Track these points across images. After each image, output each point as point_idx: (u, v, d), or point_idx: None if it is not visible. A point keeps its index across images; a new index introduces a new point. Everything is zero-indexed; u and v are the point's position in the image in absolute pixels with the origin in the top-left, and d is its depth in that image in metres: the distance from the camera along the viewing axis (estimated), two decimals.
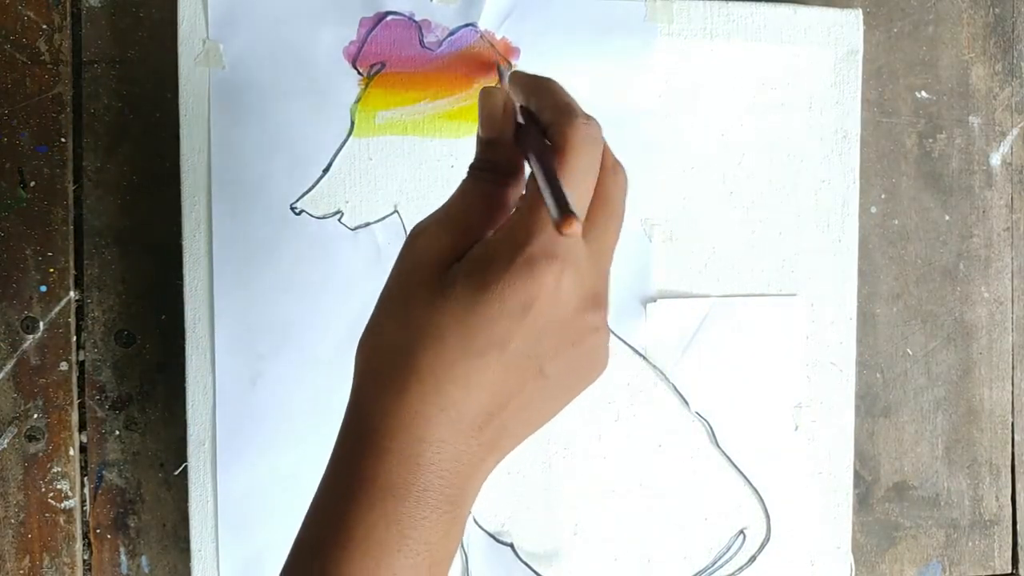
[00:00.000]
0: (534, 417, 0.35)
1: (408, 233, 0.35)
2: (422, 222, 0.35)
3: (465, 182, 0.36)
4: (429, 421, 0.32)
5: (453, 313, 0.32)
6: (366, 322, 0.35)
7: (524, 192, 0.35)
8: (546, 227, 0.32)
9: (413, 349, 0.32)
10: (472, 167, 0.36)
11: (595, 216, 0.34)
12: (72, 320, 0.50)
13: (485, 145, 0.36)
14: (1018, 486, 0.58)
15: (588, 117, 0.35)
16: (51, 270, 0.50)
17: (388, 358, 0.33)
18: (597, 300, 0.34)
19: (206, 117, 0.49)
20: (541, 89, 0.37)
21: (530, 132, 0.35)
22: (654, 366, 0.52)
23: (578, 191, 0.33)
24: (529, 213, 0.32)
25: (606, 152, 0.35)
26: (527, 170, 0.36)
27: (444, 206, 0.35)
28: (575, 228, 0.29)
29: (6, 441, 0.50)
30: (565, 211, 0.30)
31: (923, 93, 0.57)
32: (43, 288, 0.50)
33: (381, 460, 0.32)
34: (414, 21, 0.50)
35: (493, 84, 0.50)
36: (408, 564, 0.32)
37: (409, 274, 0.34)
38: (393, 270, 0.35)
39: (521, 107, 0.37)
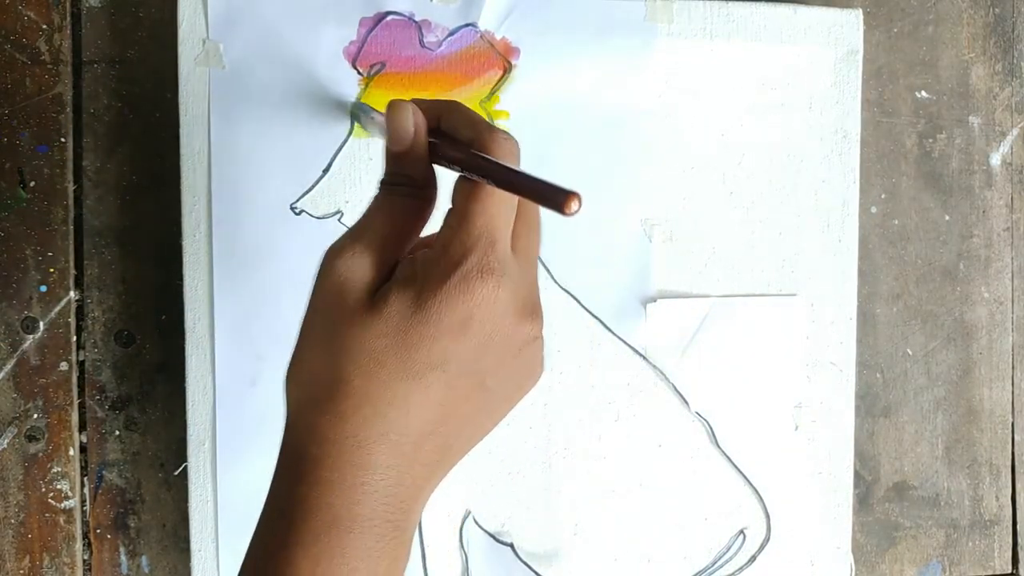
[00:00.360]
0: (475, 431, 0.35)
1: (324, 255, 0.34)
2: (337, 243, 0.34)
3: (378, 198, 0.35)
4: (371, 447, 0.32)
5: (388, 336, 0.32)
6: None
7: (452, 205, 0.34)
8: (479, 242, 0.32)
9: (348, 376, 0.32)
10: (384, 182, 0.36)
11: (518, 229, 0.34)
12: (72, 320, 0.50)
13: (396, 159, 0.35)
14: (1018, 486, 0.58)
15: (506, 132, 0.34)
16: (51, 270, 0.50)
17: (321, 386, 0.32)
18: (533, 309, 0.34)
19: (206, 117, 0.49)
20: (450, 107, 0.36)
21: (452, 144, 0.35)
22: (654, 366, 0.52)
23: (506, 204, 0.33)
24: (460, 228, 0.32)
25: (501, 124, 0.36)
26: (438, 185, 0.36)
27: (358, 224, 0.35)
28: (578, 203, 0.29)
29: (6, 441, 0.50)
30: (564, 191, 0.30)
31: (923, 93, 0.57)
32: (43, 288, 0.50)
33: (324, 491, 0.32)
34: (414, 21, 0.50)
35: (492, 84, 0.50)
36: None
37: (333, 299, 0.33)
38: (313, 295, 0.34)
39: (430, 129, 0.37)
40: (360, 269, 0.33)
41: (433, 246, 0.33)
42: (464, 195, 0.33)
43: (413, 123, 0.35)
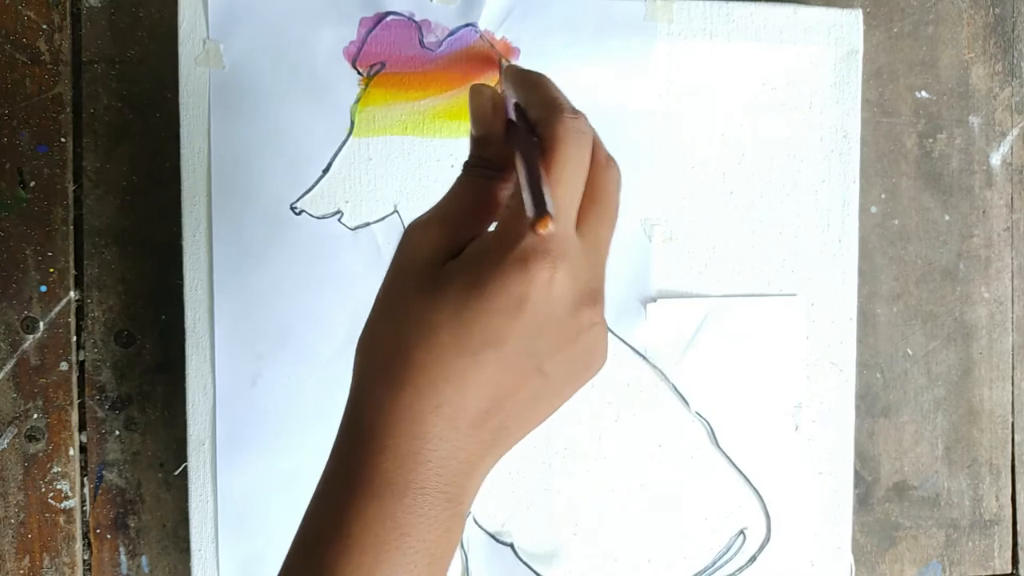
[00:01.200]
0: (533, 415, 0.35)
1: (404, 230, 0.35)
2: (418, 219, 0.35)
3: (459, 179, 0.36)
4: (425, 418, 0.32)
5: (447, 310, 0.32)
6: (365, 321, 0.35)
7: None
8: None
9: (407, 346, 0.32)
10: (466, 164, 0.36)
11: (587, 211, 0.34)
12: (72, 320, 0.50)
13: (477, 142, 0.36)
14: (1018, 486, 0.58)
15: (575, 111, 0.34)
16: (51, 270, 0.50)
17: (384, 355, 0.33)
18: (593, 296, 0.34)
19: (206, 117, 0.49)
20: (530, 84, 0.37)
21: (518, 128, 0.35)
22: (654, 366, 0.52)
23: (565, 186, 0.33)
24: (521, 210, 0.32)
25: (597, 147, 0.35)
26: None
27: (439, 203, 0.35)
28: (550, 228, 0.29)
29: (6, 441, 0.50)
30: (540, 210, 0.29)
31: (923, 93, 0.57)
32: (43, 288, 0.50)
33: (378, 457, 0.32)
34: (414, 21, 0.50)
35: (493, 83, 0.50)
36: (406, 562, 0.32)
37: (404, 271, 0.34)
38: (390, 267, 0.35)
39: (515, 103, 0.37)
40: (431, 246, 0.34)
41: (497, 226, 0.33)
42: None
43: (492, 108, 0.36)
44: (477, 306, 0.32)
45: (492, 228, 0.35)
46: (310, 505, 0.34)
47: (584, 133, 0.34)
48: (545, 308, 0.32)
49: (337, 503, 0.33)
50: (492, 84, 0.50)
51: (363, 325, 0.35)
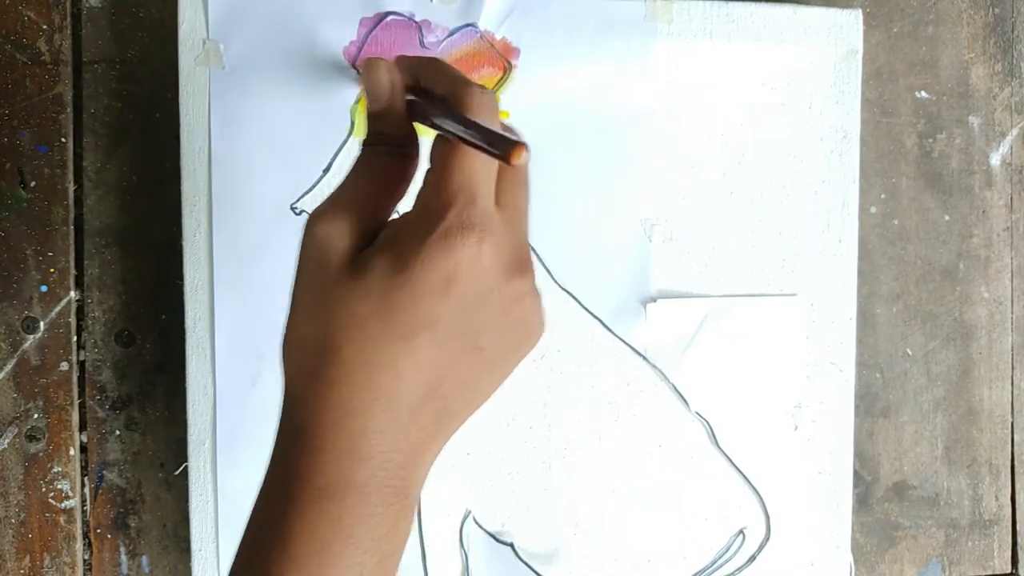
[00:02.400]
0: (475, 394, 0.34)
1: (306, 221, 0.34)
2: (319, 208, 0.33)
3: (359, 160, 0.35)
4: (363, 413, 0.31)
5: (371, 299, 0.31)
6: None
7: (430, 165, 0.33)
8: (457, 198, 0.31)
9: (334, 341, 0.31)
10: (364, 143, 0.35)
11: (502, 183, 0.34)
12: (72, 320, 0.50)
13: (376, 118, 0.35)
14: (1018, 486, 0.58)
15: (481, 86, 0.34)
16: (51, 270, 0.50)
17: (310, 355, 0.32)
18: (521, 266, 0.33)
19: (206, 117, 0.49)
20: (429, 65, 0.36)
21: (429, 100, 0.35)
22: (654, 366, 0.52)
23: (481, 160, 0.32)
24: (438, 185, 0.31)
25: (501, 120, 0.35)
26: (421, 143, 0.35)
27: (340, 187, 0.34)
28: (526, 155, 0.29)
29: (6, 441, 0.50)
30: (508, 143, 0.29)
31: (923, 93, 0.57)
32: (43, 288, 0.50)
33: (317, 459, 0.31)
34: (414, 21, 0.50)
35: (492, 84, 0.50)
36: (354, 563, 0.31)
37: (317, 264, 0.33)
38: (299, 262, 0.33)
39: (409, 88, 0.37)
40: (340, 233, 0.32)
41: (415, 204, 0.32)
42: (441, 152, 0.32)
43: (389, 80, 0.35)
44: (404, 290, 0.30)
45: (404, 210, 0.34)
46: (252, 512, 0.33)
47: (494, 107, 0.34)
48: (474, 283, 0.31)
49: (277, 509, 0.32)
50: (493, 82, 0.50)
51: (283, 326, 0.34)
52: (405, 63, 0.36)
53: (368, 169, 0.34)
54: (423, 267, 0.30)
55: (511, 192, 0.34)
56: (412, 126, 0.35)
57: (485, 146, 0.31)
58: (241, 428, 0.49)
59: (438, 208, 0.31)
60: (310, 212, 0.49)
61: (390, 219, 0.34)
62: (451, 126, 0.33)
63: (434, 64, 0.36)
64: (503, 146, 0.30)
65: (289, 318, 0.33)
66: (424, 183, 0.33)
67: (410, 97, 0.36)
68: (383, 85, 0.35)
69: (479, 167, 0.32)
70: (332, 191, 0.34)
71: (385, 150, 0.35)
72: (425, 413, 0.32)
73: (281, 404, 0.34)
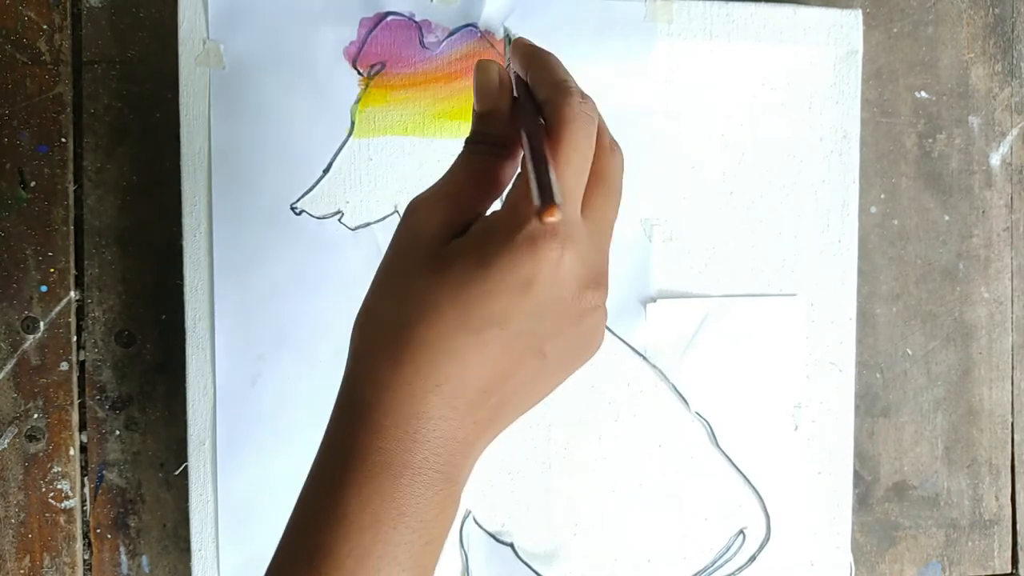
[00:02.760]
0: (530, 395, 0.35)
1: (407, 206, 0.34)
2: (419, 196, 0.34)
3: (461, 156, 0.35)
4: (425, 397, 0.32)
5: (451, 288, 0.31)
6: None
7: (521, 167, 0.34)
8: None
9: (409, 323, 0.32)
10: (468, 141, 0.36)
11: (592, 195, 0.34)
12: (72, 320, 0.50)
13: (480, 118, 0.36)
14: (1018, 486, 0.58)
15: (584, 95, 0.34)
16: (51, 270, 0.50)
17: (384, 333, 0.33)
18: (598, 279, 0.34)
19: (206, 117, 0.49)
20: (539, 63, 0.36)
21: (525, 108, 0.35)
22: (654, 366, 0.52)
23: (573, 170, 0.33)
24: (528, 191, 0.32)
25: (603, 131, 0.35)
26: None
27: (441, 180, 0.35)
28: (556, 216, 0.29)
29: (6, 441, 0.50)
30: (547, 199, 0.29)
31: (923, 93, 0.57)
32: (43, 288, 0.50)
33: (377, 436, 0.32)
34: (414, 21, 0.50)
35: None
36: (403, 540, 0.32)
37: (406, 249, 0.33)
38: (390, 245, 0.34)
39: (519, 80, 0.37)
40: (433, 223, 0.33)
41: (505, 204, 0.33)
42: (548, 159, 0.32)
43: (498, 84, 0.35)
44: (483, 285, 0.31)
45: (497, 206, 0.34)
46: (305, 484, 0.34)
47: (591, 118, 0.34)
48: (551, 290, 0.32)
49: (333, 482, 0.32)
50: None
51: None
52: (521, 49, 0.37)
53: (465, 165, 0.35)
54: (503, 266, 0.31)
55: (600, 204, 0.34)
56: (515, 130, 0.35)
57: (533, 185, 0.31)
58: (241, 428, 0.49)
59: (526, 211, 0.31)
60: (312, 212, 0.49)
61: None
62: (524, 143, 0.33)
63: (546, 61, 0.36)
64: (542, 196, 0.30)
65: (368, 295, 0.34)
66: (514, 184, 0.34)
67: (516, 94, 0.36)
68: (492, 88, 0.35)
69: (570, 176, 0.32)
70: (433, 184, 0.35)
71: (487, 150, 0.35)
72: (483, 407, 0.33)
73: (342, 380, 0.34)
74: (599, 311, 0.34)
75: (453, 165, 0.35)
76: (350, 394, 0.34)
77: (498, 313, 0.31)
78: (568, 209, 0.32)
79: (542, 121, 0.34)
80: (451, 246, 0.33)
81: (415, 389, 0.32)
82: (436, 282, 0.32)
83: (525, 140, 0.33)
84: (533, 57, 0.37)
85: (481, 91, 0.35)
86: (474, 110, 0.36)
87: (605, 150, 0.35)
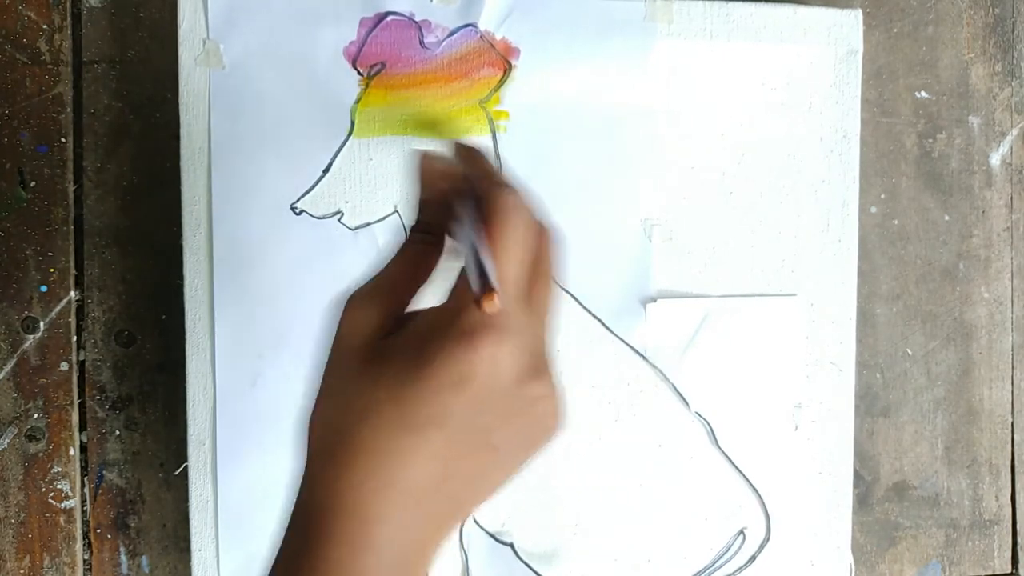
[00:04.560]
0: (485, 487, 0.34)
1: (346, 303, 0.34)
2: (358, 291, 0.34)
3: (404, 245, 0.36)
4: (370, 500, 0.31)
5: (389, 387, 0.31)
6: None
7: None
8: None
9: (352, 425, 0.31)
10: (413, 228, 0.36)
11: (533, 280, 0.34)
12: (72, 320, 0.51)
13: (422, 205, 0.36)
14: (1018, 486, 0.58)
15: (508, 185, 0.34)
16: (51, 270, 0.50)
17: (330, 435, 0.32)
18: (539, 368, 0.33)
19: (206, 117, 0.49)
20: (469, 158, 0.37)
21: (463, 199, 0.35)
22: (654, 366, 0.52)
23: (508, 259, 0.32)
24: (464, 284, 0.32)
25: (534, 216, 0.35)
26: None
27: (379, 273, 0.35)
28: (495, 303, 0.29)
29: (6, 441, 0.50)
30: (485, 286, 0.29)
31: (923, 93, 0.57)
32: (43, 288, 0.50)
33: (326, 545, 0.31)
34: (414, 21, 0.50)
35: (492, 84, 0.50)
36: None
37: (344, 349, 0.33)
38: (333, 343, 0.34)
39: (459, 173, 0.37)
40: (368, 319, 0.33)
41: (448, 298, 0.32)
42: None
43: (441, 173, 0.35)
44: (420, 383, 0.31)
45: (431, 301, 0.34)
46: None
47: (518, 207, 0.33)
48: (491, 383, 0.31)
49: None
50: (493, 83, 0.50)
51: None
52: (456, 147, 0.37)
53: (407, 257, 0.35)
54: (440, 363, 0.31)
55: (539, 291, 0.34)
56: (450, 218, 0.36)
57: (473, 273, 0.31)
58: (241, 428, 0.49)
59: (461, 305, 0.31)
60: (312, 212, 0.49)
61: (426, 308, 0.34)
62: (465, 234, 0.33)
63: (475, 155, 0.37)
64: (481, 284, 0.30)
65: (317, 397, 0.34)
66: (459, 276, 0.33)
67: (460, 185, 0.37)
68: (433, 176, 0.35)
69: (506, 266, 0.32)
70: (374, 275, 0.35)
71: (426, 239, 0.35)
72: (432, 503, 0.32)
73: (302, 480, 0.34)
74: (546, 399, 0.33)
75: (395, 255, 0.35)
76: (303, 500, 0.33)
77: (437, 411, 0.31)
78: (507, 298, 0.31)
79: (479, 213, 0.33)
80: (387, 343, 0.32)
81: (362, 493, 0.31)
82: (375, 381, 0.31)
83: (464, 229, 0.33)
84: (463, 152, 0.37)
85: (423, 179, 0.36)
86: (418, 199, 0.36)
87: (538, 235, 0.34)
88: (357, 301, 0.34)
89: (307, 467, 0.33)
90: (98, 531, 0.51)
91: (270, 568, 0.33)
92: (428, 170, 0.36)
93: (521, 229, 0.33)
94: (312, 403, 0.34)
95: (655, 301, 0.52)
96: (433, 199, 0.35)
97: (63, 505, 0.51)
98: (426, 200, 0.36)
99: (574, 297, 0.51)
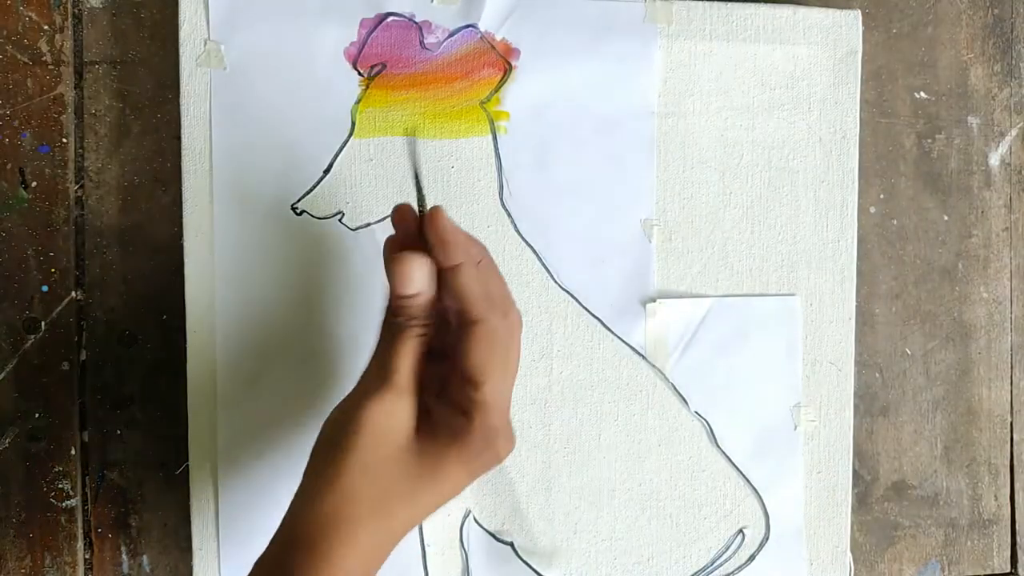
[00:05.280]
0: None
1: (354, 407, 0.39)
2: (373, 387, 0.39)
3: (397, 340, 0.39)
4: (382, 553, 0.39)
5: (433, 481, 0.39)
6: (358, 374, 0.40)
7: (464, 374, 0.39)
8: (501, 428, 0.40)
9: (390, 502, 0.38)
10: (397, 321, 0.39)
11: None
12: (73, 320, 0.51)
13: (408, 300, 0.39)
14: (1017, 485, 0.58)
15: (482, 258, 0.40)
16: (53, 270, 0.50)
17: (365, 507, 0.38)
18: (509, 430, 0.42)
19: (207, 118, 0.49)
20: (433, 224, 0.39)
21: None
22: (653, 366, 0.52)
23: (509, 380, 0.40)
24: (486, 417, 0.39)
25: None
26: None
27: (389, 372, 0.39)
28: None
29: (8, 441, 0.50)
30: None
31: (922, 94, 0.57)
32: (45, 288, 0.50)
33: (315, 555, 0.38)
34: (414, 22, 0.50)
35: (492, 85, 0.50)
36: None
37: (381, 443, 0.39)
38: (354, 440, 0.38)
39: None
40: (402, 416, 0.39)
41: (468, 419, 0.39)
42: (485, 374, 0.38)
43: (420, 275, 0.39)
44: (458, 480, 0.39)
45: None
46: None
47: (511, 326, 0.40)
48: (487, 467, 0.40)
49: None
50: (494, 83, 0.50)
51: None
52: (450, 251, 0.40)
53: (407, 350, 0.39)
54: (477, 469, 0.40)
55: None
56: (437, 305, 0.40)
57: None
58: (241, 428, 0.49)
59: (495, 428, 0.39)
60: (313, 213, 0.49)
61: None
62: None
63: (434, 221, 0.40)
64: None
65: (333, 470, 0.38)
66: (471, 396, 0.39)
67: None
68: (414, 279, 0.39)
69: (508, 389, 0.40)
70: (371, 368, 0.40)
71: (419, 330, 0.39)
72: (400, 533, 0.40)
73: (281, 544, 0.39)
74: (509, 448, 0.41)
75: (391, 351, 0.39)
76: (311, 536, 0.38)
77: (452, 494, 0.40)
78: (507, 414, 0.40)
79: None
80: (432, 454, 0.39)
81: (384, 551, 0.39)
82: (419, 477, 0.39)
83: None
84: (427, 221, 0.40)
85: (404, 282, 0.39)
86: (395, 294, 0.39)
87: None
88: (382, 399, 0.39)
89: (330, 521, 0.38)
90: (99, 530, 0.51)
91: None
92: (410, 275, 0.39)
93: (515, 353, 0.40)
94: (321, 476, 0.39)
95: (655, 301, 0.52)
96: (420, 296, 0.39)
97: (64, 504, 0.51)
98: (411, 298, 0.39)
99: (574, 297, 0.51)
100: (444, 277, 0.39)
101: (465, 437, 0.39)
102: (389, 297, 0.39)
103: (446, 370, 0.40)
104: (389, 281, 0.39)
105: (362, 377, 0.40)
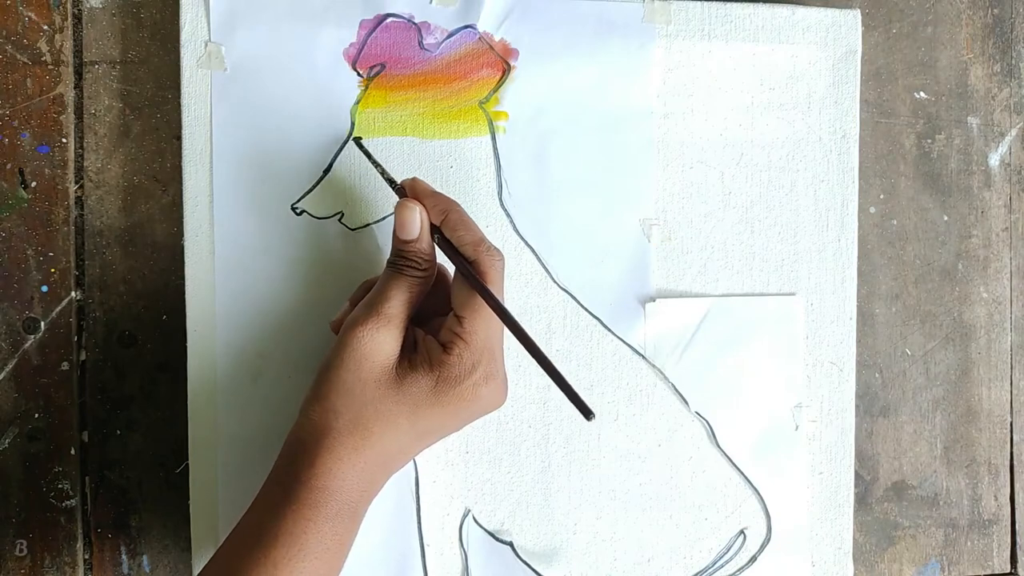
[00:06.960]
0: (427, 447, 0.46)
1: (346, 330, 0.43)
2: (359, 315, 0.43)
3: (392, 278, 0.44)
4: (373, 480, 0.43)
5: (406, 405, 0.42)
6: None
7: (455, 313, 0.43)
8: (483, 356, 0.43)
9: (368, 423, 0.42)
10: (390, 263, 0.44)
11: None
12: (73, 320, 0.51)
13: (404, 248, 0.44)
14: (1016, 486, 0.58)
15: (496, 250, 0.44)
16: (52, 270, 0.50)
17: (344, 423, 0.42)
18: (500, 374, 0.45)
19: (208, 118, 0.49)
20: (455, 211, 0.44)
21: (453, 252, 0.44)
22: (653, 366, 0.52)
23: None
24: (468, 344, 0.42)
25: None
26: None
27: (376, 299, 0.43)
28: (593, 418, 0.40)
29: (7, 441, 0.50)
30: (589, 414, 0.40)
31: (922, 94, 0.57)
32: (44, 288, 0.50)
33: (322, 479, 0.42)
34: (413, 23, 0.50)
35: (491, 85, 0.50)
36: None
37: (364, 364, 0.42)
38: (341, 354, 0.42)
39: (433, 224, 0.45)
40: (385, 342, 0.42)
41: (447, 350, 0.42)
42: (467, 309, 0.43)
43: (420, 223, 0.44)
44: (432, 409, 0.42)
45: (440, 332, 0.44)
46: (251, 507, 0.43)
47: (501, 269, 0.44)
48: (479, 410, 0.44)
49: (278, 502, 0.42)
50: (492, 84, 0.50)
51: (314, 389, 0.43)
52: (431, 202, 0.45)
53: (399, 287, 0.43)
54: (451, 400, 0.42)
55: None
56: (434, 255, 0.45)
57: (570, 400, 0.41)
58: (241, 428, 0.49)
59: (469, 363, 0.42)
60: (313, 213, 0.49)
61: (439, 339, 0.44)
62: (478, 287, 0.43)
63: (456, 209, 0.44)
64: (585, 414, 0.41)
65: (324, 388, 0.43)
66: (450, 328, 0.43)
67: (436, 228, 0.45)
68: (414, 226, 0.44)
69: (497, 324, 0.43)
70: (365, 300, 0.44)
71: (412, 272, 0.44)
72: (396, 468, 0.45)
73: (291, 437, 0.43)
74: (501, 394, 0.45)
75: (384, 286, 0.44)
76: (303, 454, 0.42)
77: (437, 426, 0.43)
78: (496, 353, 0.43)
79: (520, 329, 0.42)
80: (404, 370, 0.42)
81: (366, 475, 0.42)
82: (394, 399, 0.42)
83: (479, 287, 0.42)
84: (447, 203, 0.45)
85: (405, 228, 0.44)
86: (397, 239, 0.44)
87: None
88: (367, 324, 0.42)
89: (312, 439, 0.42)
90: (99, 531, 0.51)
91: (261, 491, 0.43)
92: (411, 219, 0.44)
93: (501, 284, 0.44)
94: (315, 389, 0.43)
95: (654, 301, 0.52)
96: (418, 243, 0.44)
97: (64, 505, 0.51)
98: (409, 243, 0.44)
99: (574, 297, 0.51)
100: (439, 230, 0.44)
101: (440, 367, 0.42)
102: (393, 244, 0.44)
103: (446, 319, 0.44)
104: (395, 231, 0.44)
105: (356, 308, 0.44)
